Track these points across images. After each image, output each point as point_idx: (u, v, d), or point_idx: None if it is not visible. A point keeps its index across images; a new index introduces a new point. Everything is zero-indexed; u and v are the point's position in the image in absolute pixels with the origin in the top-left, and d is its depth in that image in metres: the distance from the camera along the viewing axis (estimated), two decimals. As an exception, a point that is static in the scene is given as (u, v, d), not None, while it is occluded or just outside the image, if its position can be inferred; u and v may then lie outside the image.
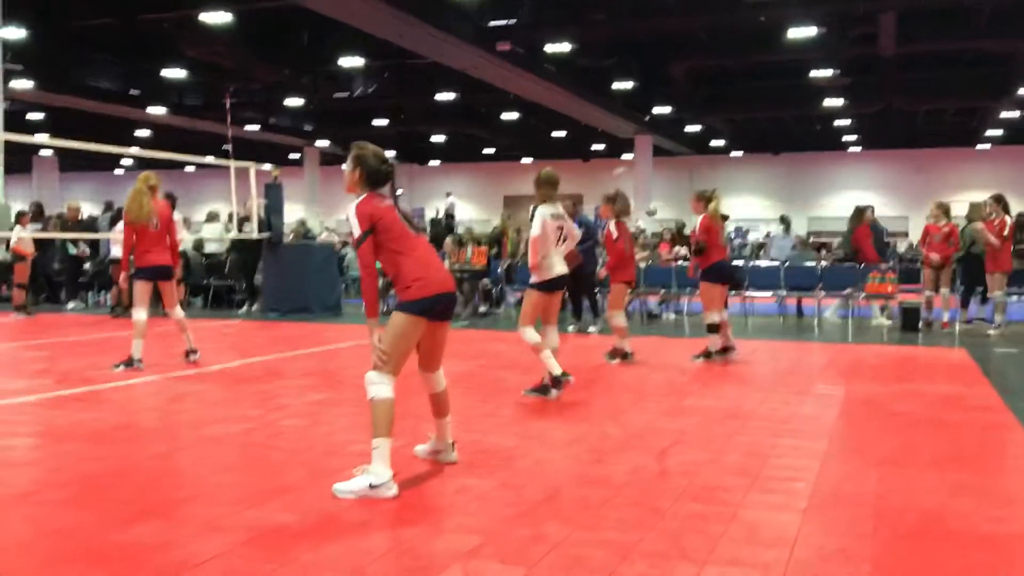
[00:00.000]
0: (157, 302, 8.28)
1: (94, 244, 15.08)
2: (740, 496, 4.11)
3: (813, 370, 8.44)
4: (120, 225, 13.05)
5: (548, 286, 6.49)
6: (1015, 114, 27.69)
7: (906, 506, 4.00)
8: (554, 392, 6.40)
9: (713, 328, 8.57)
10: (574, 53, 21.80)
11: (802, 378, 7.80)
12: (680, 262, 13.91)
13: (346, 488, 3.98)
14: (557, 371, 6.39)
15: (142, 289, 7.87)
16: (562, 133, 34.35)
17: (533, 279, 6.53)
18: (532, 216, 6.59)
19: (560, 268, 6.55)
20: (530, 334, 6.48)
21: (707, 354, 8.59)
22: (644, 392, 7.07)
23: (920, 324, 11.40)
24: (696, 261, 8.77)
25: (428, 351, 4.45)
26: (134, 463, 4.76)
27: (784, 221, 16.74)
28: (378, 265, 4.20)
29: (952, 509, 3.96)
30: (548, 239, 6.44)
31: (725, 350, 8.68)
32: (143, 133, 34.13)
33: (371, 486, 3.94)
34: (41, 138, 24.37)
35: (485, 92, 26.10)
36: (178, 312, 8.21)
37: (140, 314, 7.76)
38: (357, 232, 4.14)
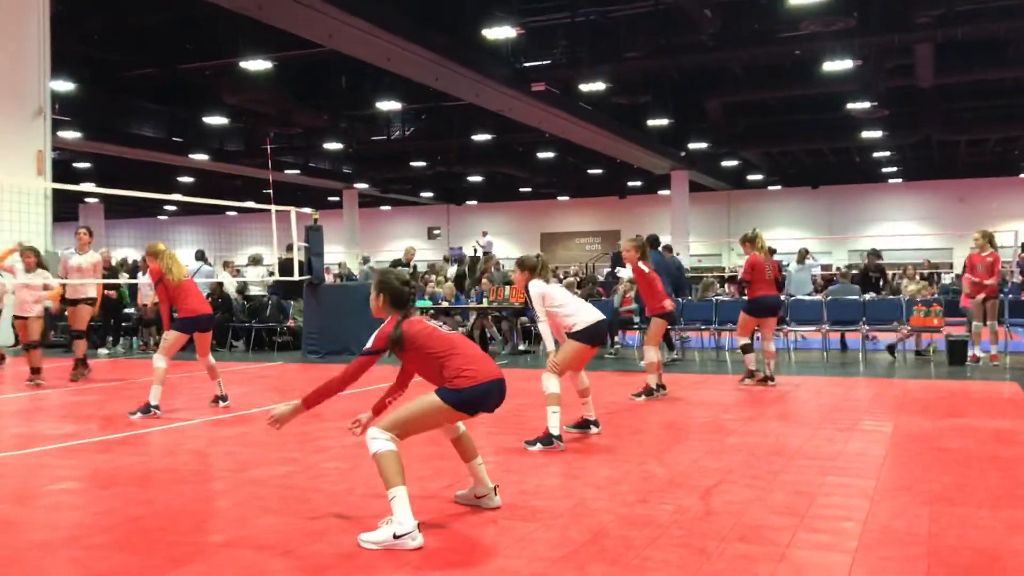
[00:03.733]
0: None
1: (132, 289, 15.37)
2: (788, 536, 4.03)
3: (859, 405, 8.30)
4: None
5: (590, 338, 6.34)
6: (1059, 142, 27.30)
7: (960, 545, 3.90)
8: (559, 444, 6.11)
9: (747, 348, 9.63)
10: (609, 91, 21.96)
11: (848, 414, 7.66)
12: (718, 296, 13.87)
13: (370, 539, 3.93)
14: (555, 432, 6.13)
15: (179, 340, 7.98)
16: (598, 170, 34.51)
17: (576, 329, 6.32)
18: (528, 294, 6.49)
19: (594, 315, 6.44)
20: (553, 383, 6.22)
21: (751, 375, 9.51)
22: (687, 430, 6.99)
23: (968, 358, 11.18)
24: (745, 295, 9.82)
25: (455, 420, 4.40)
26: (179, 506, 4.78)
27: (800, 254, 16.47)
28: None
29: (1009, 548, 3.85)
30: (562, 299, 6.38)
31: (752, 375, 9.61)
32: (186, 179, 34.84)
33: (395, 536, 3.87)
34: (87, 186, 24.95)
35: (521, 132, 26.36)
36: (211, 359, 8.32)
37: (163, 362, 7.83)
38: (369, 344, 4.26)
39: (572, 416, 6.72)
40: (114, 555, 3.89)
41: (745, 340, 9.73)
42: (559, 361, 6.31)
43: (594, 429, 6.66)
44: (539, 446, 6.08)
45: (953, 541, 3.95)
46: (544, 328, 6.45)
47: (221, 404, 8.28)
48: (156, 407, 7.74)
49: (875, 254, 15.62)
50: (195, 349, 8.33)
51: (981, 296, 11.09)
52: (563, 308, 6.38)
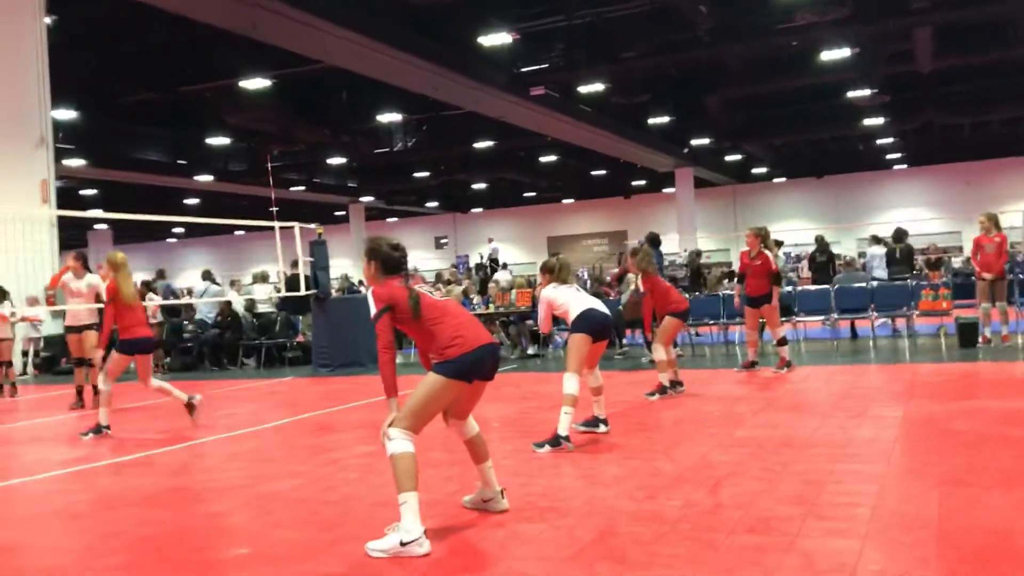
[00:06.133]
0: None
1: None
2: (797, 525, 4.01)
3: (869, 392, 8.26)
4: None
5: (586, 327, 6.35)
6: (1062, 120, 27.14)
7: (971, 526, 3.87)
8: (567, 445, 6.06)
9: (784, 340, 10.07)
10: (608, 92, 21.97)
11: (858, 401, 7.62)
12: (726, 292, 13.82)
13: (377, 547, 3.92)
14: (564, 432, 6.09)
15: (122, 362, 8.10)
16: (602, 172, 34.49)
17: (571, 321, 6.38)
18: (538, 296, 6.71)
19: (585, 304, 6.45)
20: (571, 383, 6.17)
21: (788, 364, 9.84)
22: (697, 424, 6.97)
23: (979, 339, 11.12)
24: (777, 289, 10.07)
25: (462, 406, 4.39)
26: (189, 524, 4.80)
27: (877, 240, 16.69)
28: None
29: (1020, 528, 3.81)
30: (563, 299, 6.44)
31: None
32: (192, 201, 35.00)
33: (402, 543, 3.86)
34: (93, 212, 25.06)
35: (522, 137, 26.37)
36: (154, 382, 8.36)
37: (107, 384, 8.01)
38: (374, 311, 4.16)
39: (583, 415, 6.71)
40: None
41: (784, 331, 10.26)
42: (570, 360, 6.31)
43: (603, 427, 6.65)
44: (547, 448, 6.07)
45: (964, 523, 3.92)
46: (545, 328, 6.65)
47: (193, 413, 8.33)
48: (107, 427, 7.86)
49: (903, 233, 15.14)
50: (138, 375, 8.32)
51: (990, 277, 11.02)
52: (564, 306, 6.43)
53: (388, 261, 4.29)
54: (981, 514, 4.05)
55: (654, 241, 12.94)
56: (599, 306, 6.48)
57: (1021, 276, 12.84)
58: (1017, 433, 5.81)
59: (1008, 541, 3.65)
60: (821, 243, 16.37)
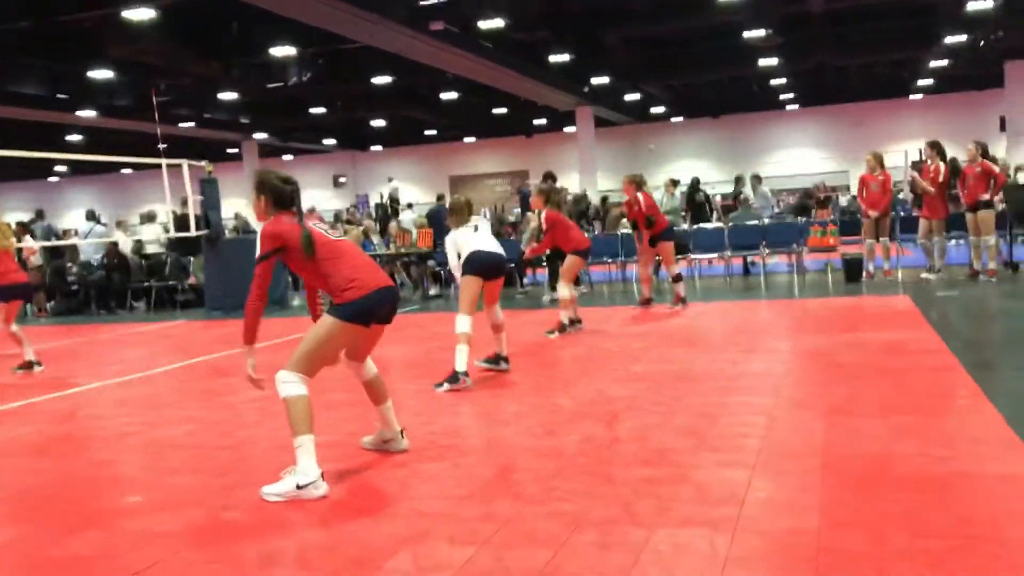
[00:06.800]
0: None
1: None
2: (690, 457, 4.12)
3: (761, 327, 8.53)
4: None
5: (474, 269, 6.38)
6: (944, 63, 28.16)
7: (852, 454, 4.04)
8: (465, 380, 6.09)
9: (680, 277, 10.23)
10: (508, 28, 21.65)
11: (750, 336, 7.86)
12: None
13: (273, 491, 3.87)
14: (461, 368, 6.10)
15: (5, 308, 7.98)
16: (503, 110, 34.23)
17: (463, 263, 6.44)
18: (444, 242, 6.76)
19: (475, 246, 6.44)
20: (462, 322, 6.21)
21: (683, 301, 10.04)
22: (595, 361, 7.08)
23: (863, 274, 11.57)
24: (648, 232, 9.97)
25: (360, 349, 4.32)
26: (76, 473, 4.64)
27: (759, 179, 17.42)
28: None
29: (897, 453, 4.01)
30: (463, 242, 6.45)
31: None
32: (75, 138, 33.31)
33: (298, 486, 3.81)
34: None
35: (422, 73, 25.85)
36: (14, 327, 8.25)
37: None
38: (260, 250, 4.00)
39: (484, 353, 6.72)
40: (2, 528, 3.75)
41: (680, 268, 10.53)
42: (461, 301, 6.35)
43: (504, 365, 6.69)
44: (446, 386, 6.08)
45: (846, 451, 4.10)
46: (457, 275, 6.57)
47: (36, 370, 8.17)
48: None
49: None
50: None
51: (874, 214, 11.45)
52: (459, 247, 6.41)
53: (279, 195, 4.11)
54: (862, 442, 4.23)
55: (549, 180, 13.05)
56: (488, 246, 6.45)
57: (903, 213, 13.37)
58: (896, 363, 6.08)
59: (886, 466, 3.83)
60: (695, 184, 17.00)
